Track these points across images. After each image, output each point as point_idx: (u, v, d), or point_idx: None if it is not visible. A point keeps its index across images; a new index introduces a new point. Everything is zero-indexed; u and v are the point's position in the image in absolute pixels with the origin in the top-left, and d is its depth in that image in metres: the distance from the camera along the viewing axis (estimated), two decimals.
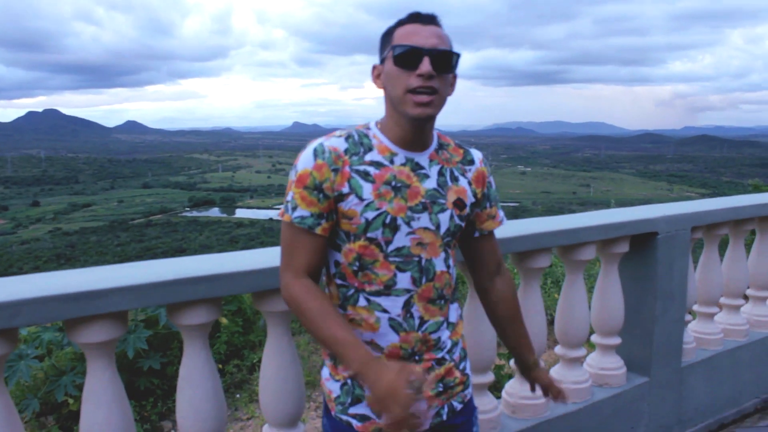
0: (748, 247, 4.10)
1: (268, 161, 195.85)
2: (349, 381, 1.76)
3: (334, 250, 1.72)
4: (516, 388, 2.90)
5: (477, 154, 1.88)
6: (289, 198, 1.67)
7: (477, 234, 1.90)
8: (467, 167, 1.82)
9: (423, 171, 1.71)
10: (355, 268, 1.69)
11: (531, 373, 2.11)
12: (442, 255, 1.74)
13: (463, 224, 1.78)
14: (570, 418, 2.96)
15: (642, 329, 3.30)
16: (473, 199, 1.81)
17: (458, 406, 1.86)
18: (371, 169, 1.66)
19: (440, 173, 1.74)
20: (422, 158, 1.72)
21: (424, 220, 1.69)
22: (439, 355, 1.78)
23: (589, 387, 3.08)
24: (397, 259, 1.67)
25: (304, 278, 1.68)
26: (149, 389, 5.76)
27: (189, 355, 2.11)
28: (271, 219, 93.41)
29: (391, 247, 1.66)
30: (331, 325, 1.60)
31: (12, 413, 1.83)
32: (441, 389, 1.81)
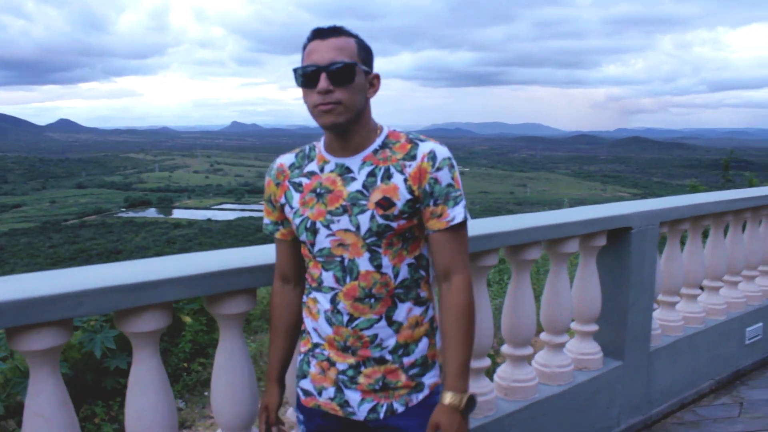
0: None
1: (206, 161, 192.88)
2: (302, 356, 1.99)
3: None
4: (508, 371, 3.11)
5: (424, 149, 1.79)
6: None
7: (427, 232, 1.84)
8: (408, 162, 1.78)
9: (350, 174, 1.81)
10: (306, 266, 1.94)
11: (438, 404, 1.82)
12: (367, 255, 1.78)
13: (393, 223, 1.76)
14: (556, 400, 3.19)
15: (617, 317, 3.57)
16: (409, 196, 1.77)
17: (399, 408, 1.86)
18: (304, 180, 1.87)
19: (371, 174, 1.79)
20: (353, 161, 1.82)
21: (344, 222, 1.78)
22: (377, 354, 1.83)
23: (572, 371, 3.33)
24: (321, 259, 1.84)
25: (279, 284, 2.05)
26: (116, 389, 5.75)
27: (225, 342, 2.23)
28: (209, 219, 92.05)
29: (315, 248, 1.84)
30: (270, 349, 2.09)
31: (67, 402, 1.92)
32: (378, 387, 1.85)
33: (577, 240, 3.24)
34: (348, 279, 1.80)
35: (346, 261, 1.80)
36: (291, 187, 1.89)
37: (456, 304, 1.81)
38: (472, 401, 1.80)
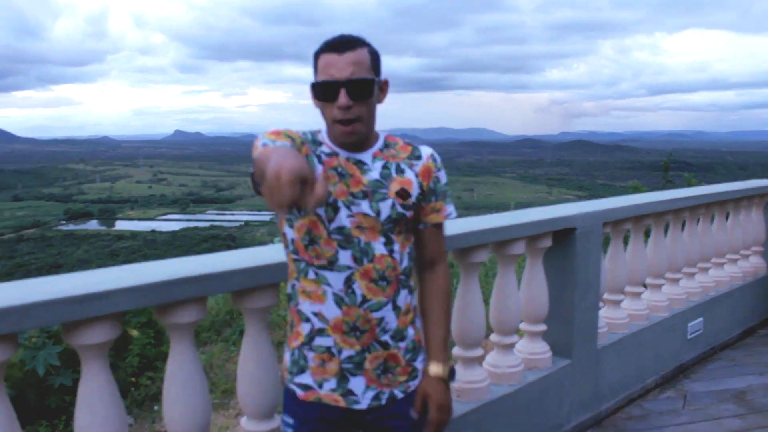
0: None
1: (149, 171, 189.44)
2: (296, 351, 1.97)
3: (289, 227, 1.92)
4: (459, 373, 3.16)
5: (426, 150, 2.00)
6: (262, 142, 1.63)
7: (422, 226, 2.01)
8: (414, 162, 1.95)
9: (365, 166, 1.88)
10: (305, 242, 1.88)
11: (423, 376, 2.03)
12: (382, 239, 1.87)
13: (407, 213, 1.90)
14: (507, 399, 3.26)
15: (564, 316, 3.66)
16: (419, 190, 1.93)
17: (399, 395, 1.98)
18: (323, 156, 1.89)
19: (384, 167, 1.90)
20: (364, 156, 1.90)
21: (364, 206, 1.84)
22: (383, 338, 1.91)
23: (522, 371, 3.40)
24: (338, 237, 1.84)
25: None
26: (61, 407, 5.59)
27: (176, 352, 2.22)
28: (153, 231, 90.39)
29: (333, 226, 1.84)
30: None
31: (13, 420, 1.89)
32: (380, 371, 1.93)
33: (524, 242, 3.32)
34: (365, 260, 1.86)
35: (362, 243, 1.85)
36: (313, 155, 1.87)
37: (440, 287, 2.06)
38: (453, 371, 2.04)
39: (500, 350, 3.40)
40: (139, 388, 6.03)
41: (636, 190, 11.76)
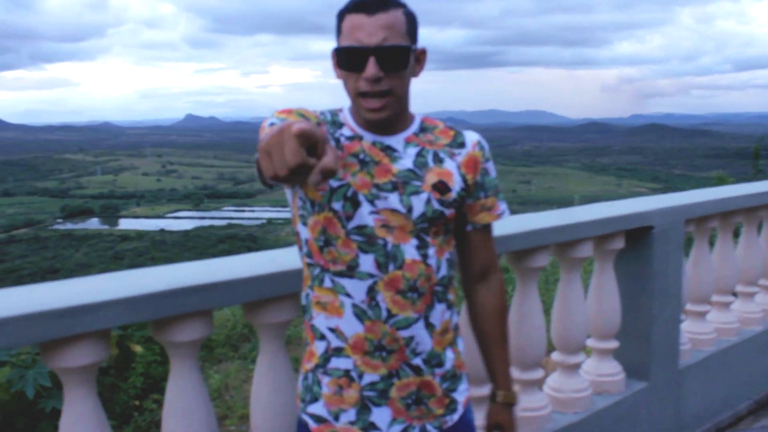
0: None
1: (157, 161, 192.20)
2: (309, 375, 1.90)
3: (303, 225, 1.84)
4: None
5: (471, 137, 1.91)
6: (270, 122, 1.65)
7: (469, 227, 1.94)
8: (457, 150, 1.87)
9: (395, 153, 1.80)
10: (320, 243, 1.79)
11: (490, 404, 2.07)
12: (414, 242, 1.77)
13: (446, 210, 1.81)
14: (573, 430, 3.17)
15: (639, 331, 3.55)
16: (462, 185, 1.85)
17: (433, 431, 1.90)
18: (343, 139, 1.79)
19: (419, 154, 1.82)
20: (394, 141, 1.82)
21: (392, 200, 1.75)
22: (414, 361, 1.82)
23: (589, 395, 3.31)
24: (358, 238, 1.75)
25: None
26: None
27: (177, 375, 2.18)
28: (162, 230, 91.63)
29: (351, 224, 1.75)
30: None
31: None
32: (411, 401, 1.85)
33: (591, 243, 3.22)
34: (391, 266, 1.76)
35: (389, 245, 1.76)
36: (331, 138, 1.79)
37: (497, 305, 2.01)
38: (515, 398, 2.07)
39: (564, 371, 3.31)
40: (143, 413, 6.05)
41: (721, 181, 11.52)
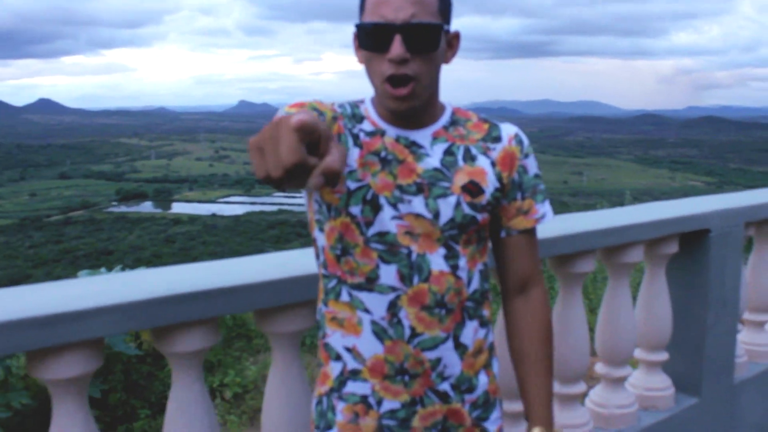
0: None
1: (210, 146, 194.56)
2: (323, 399, 1.69)
3: (319, 231, 1.65)
4: (556, 414, 2.85)
5: (508, 130, 1.68)
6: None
7: (503, 233, 1.71)
8: (491, 145, 1.65)
9: (422, 150, 1.60)
10: (337, 252, 1.61)
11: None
12: (441, 251, 1.57)
13: (479, 215, 1.59)
14: None
15: (691, 342, 3.29)
16: (497, 185, 1.63)
17: None
18: (361, 135, 1.60)
19: (448, 152, 1.61)
20: (420, 136, 1.61)
21: (417, 204, 1.55)
22: (441, 387, 1.63)
23: (636, 411, 3.06)
24: (379, 247, 1.56)
25: None
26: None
27: (179, 386, 1.99)
28: (213, 215, 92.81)
29: (371, 231, 1.56)
30: None
31: None
32: None
33: (642, 247, 2.97)
34: (416, 279, 1.56)
35: (413, 255, 1.56)
36: (348, 135, 1.59)
37: (540, 323, 1.75)
38: None
39: (608, 385, 3.07)
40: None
41: None
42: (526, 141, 1.70)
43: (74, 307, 1.68)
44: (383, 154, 1.57)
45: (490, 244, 1.75)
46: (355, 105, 1.66)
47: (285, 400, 2.11)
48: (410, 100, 1.51)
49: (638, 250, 2.95)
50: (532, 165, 1.70)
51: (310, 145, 0.99)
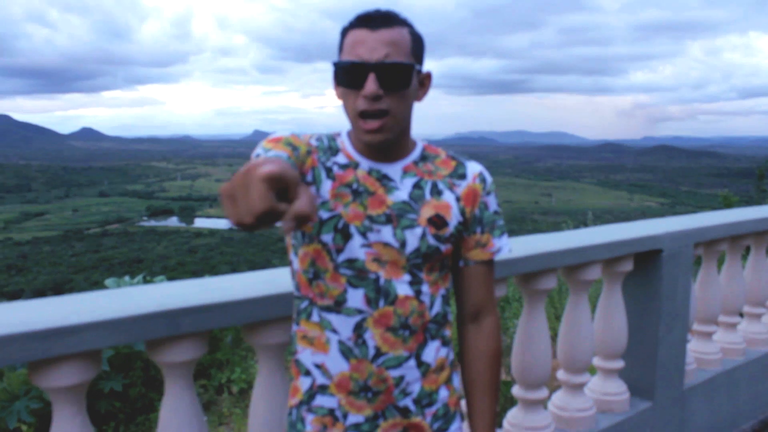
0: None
1: (228, 170, 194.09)
2: (294, 411, 1.59)
3: (294, 255, 1.55)
4: (519, 417, 2.73)
5: (473, 168, 1.60)
6: (256, 152, 1.38)
7: (462, 263, 1.62)
8: (457, 181, 1.56)
9: (391, 183, 1.50)
10: (309, 275, 1.52)
11: None
12: (406, 277, 1.49)
13: (442, 246, 1.51)
14: None
15: (645, 351, 3.16)
16: (460, 218, 1.54)
17: None
18: (335, 168, 1.50)
19: (416, 185, 1.52)
20: (391, 169, 1.52)
21: (385, 234, 1.47)
22: (402, 403, 1.53)
23: (594, 414, 2.92)
24: (348, 272, 1.47)
25: None
26: (110, 412, 5.47)
27: (171, 395, 1.87)
28: (231, 229, 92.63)
29: (341, 257, 1.47)
30: None
31: None
32: None
33: (600, 265, 2.85)
34: (382, 302, 1.47)
35: (381, 280, 1.47)
36: (321, 168, 1.50)
37: (488, 350, 1.65)
38: None
39: (569, 390, 2.93)
40: None
41: (726, 200, 10.94)
42: (489, 179, 1.61)
43: (71, 322, 1.57)
44: (355, 186, 1.48)
45: None
46: (332, 138, 1.56)
47: (269, 407, 1.98)
48: (382, 132, 1.41)
49: (596, 268, 2.83)
50: (492, 202, 1.61)
51: (279, 191, 0.93)
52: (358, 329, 1.47)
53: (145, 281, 7.31)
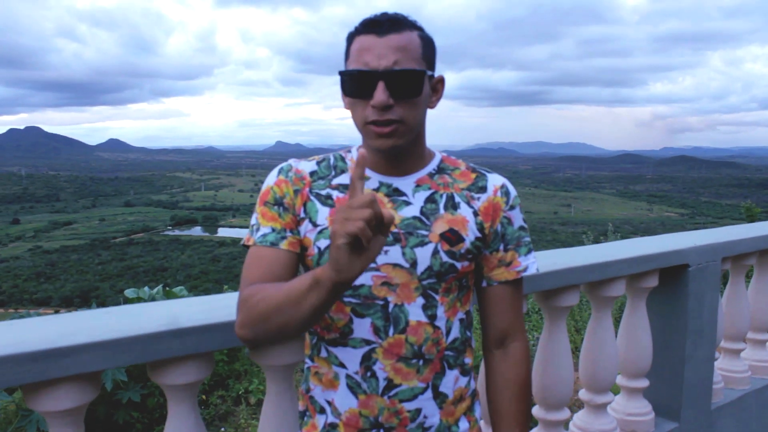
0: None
1: (251, 180, 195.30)
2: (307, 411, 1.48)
3: None
4: None
5: (495, 181, 1.48)
6: (253, 221, 1.44)
7: (484, 283, 1.50)
8: (476, 194, 1.45)
9: (403, 198, 1.40)
10: None
11: None
12: (420, 301, 1.36)
13: (458, 263, 1.39)
14: None
15: (671, 370, 3.01)
16: (478, 234, 1.42)
17: None
18: (335, 193, 1.41)
19: (430, 199, 1.41)
20: (403, 183, 1.41)
21: (394, 254, 1.35)
22: None
23: None
24: (352, 300, 1.36)
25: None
26: (129, 423, 5.42)
27: (175, 417, 1.77)
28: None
29: None
30: (291, 286, 1.22)
31: None
32: None
33: (624, 281, 2.71)
34: (392, 330, 1.35)
35: (390, 306, 1.35)
36: (315, 199, 1.41)
37: (516, 378, 1.51)
38: None
39: (591, 410, 2.78)
40: (209, 407, 5.87)
41: (749, 211, 10.70)
42: (513, 193, 1.48)
43: (67, 343, 1.47)
44: None
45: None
46: (341, 157, 1.46)
47: (276, 430, 1.88)
48: (393, 137, 1.30)
49: (621, 284, 2.68)
50: (517, 217, 1.48)
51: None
52: (366, 361, 1.35)
53: (165, 292, 7.26)
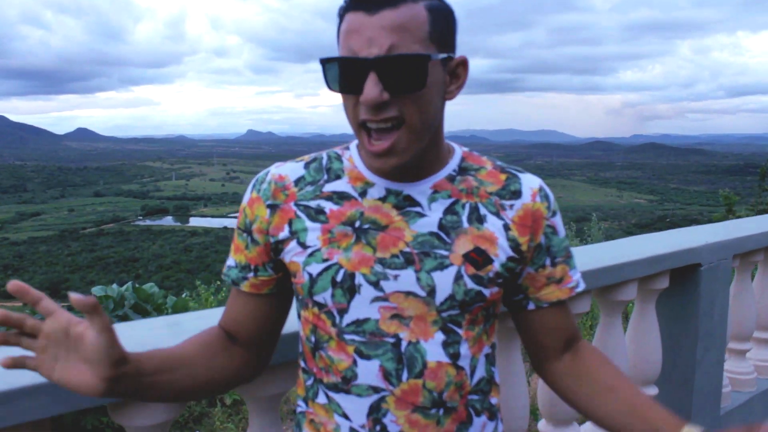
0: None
1: (222, 169, 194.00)
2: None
3: (298, 317, 1.19)
4: None
5: (530, 183, 1.18)
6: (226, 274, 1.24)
7: (532, 305, 1.21)
8: (507, 202, 1.15)
9: (416, 209, 1.10)
10: (311, 345, 1.15)
11: None
12: (440, 337, 1.09)
13: (486, 290, 1.10)
14: None
15: (681, 375, 2.80)
16: (511, 253, 1.13)
17: None
18: (328, 204, 1.12)
19: (450, 210, 1.11)
20: (417, 190, 1.11)
21: (406, 280, 1.07)
22: None
23: None
24: (356, 338, 1.08)
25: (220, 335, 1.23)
26: (97, 428, 5.24)
27: None
28: (225, 227, 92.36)
29: (346, 320, 1.09)
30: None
31: None
32: None
33: (635, 284, 2.49)
34: (405, 375, 1.07)
35: (403, 345, 1.07)
36: (302, 213, 1.12)
37: (601, 358, 1.24)
38: None
39: None
40: (183, 408, 5.71)
41: (727, 199, 10.64)
42: (551, 196, 1.20)
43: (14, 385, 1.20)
44: (358, 223, 1.09)
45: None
46: (336, 158, 1.16)
47: None
48: (394, 155, 1.02)
49: (632, 287, 2.46)
50: (560, 225, 1.20)
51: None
52: (375, 413, 1.07)
53: (134, 289, 6.94)
